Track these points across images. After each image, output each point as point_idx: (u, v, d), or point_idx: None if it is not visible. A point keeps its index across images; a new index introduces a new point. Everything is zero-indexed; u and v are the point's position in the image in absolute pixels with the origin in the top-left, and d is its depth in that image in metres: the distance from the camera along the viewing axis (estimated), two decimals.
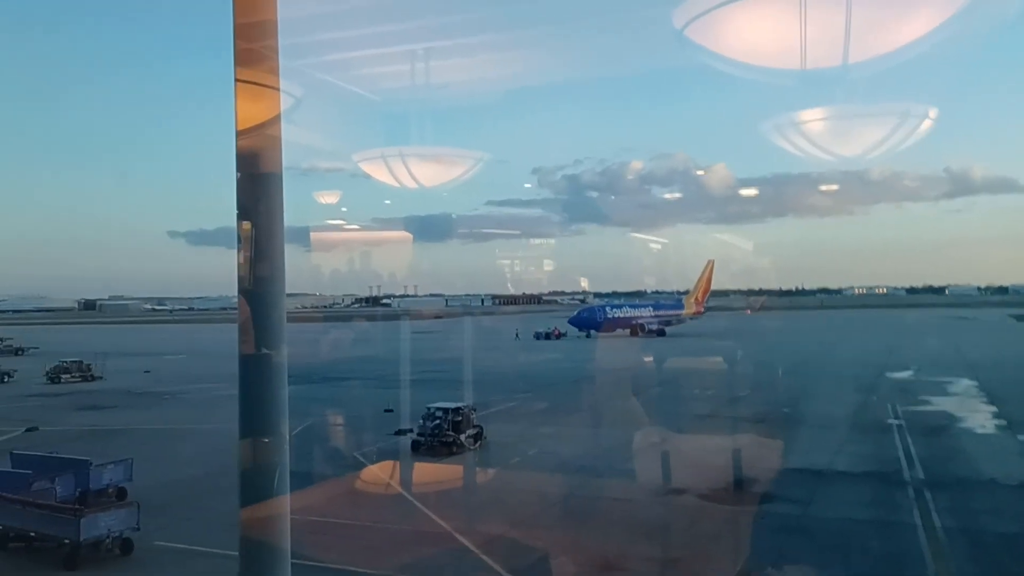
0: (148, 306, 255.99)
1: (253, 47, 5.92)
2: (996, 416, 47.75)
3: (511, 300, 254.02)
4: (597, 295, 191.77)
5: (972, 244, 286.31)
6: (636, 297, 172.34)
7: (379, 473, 36.38)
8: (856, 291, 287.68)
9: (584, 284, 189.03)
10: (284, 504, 5.35)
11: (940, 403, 52.87)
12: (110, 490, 31.62)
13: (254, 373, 5.54)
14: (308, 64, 15.00)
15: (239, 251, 5.92)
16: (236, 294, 6.14)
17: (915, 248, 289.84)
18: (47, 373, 72.44)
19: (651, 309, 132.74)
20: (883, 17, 8.47)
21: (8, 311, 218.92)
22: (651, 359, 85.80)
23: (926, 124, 9.74)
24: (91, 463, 31.63)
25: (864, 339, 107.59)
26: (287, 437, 5.48)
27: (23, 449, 36.07)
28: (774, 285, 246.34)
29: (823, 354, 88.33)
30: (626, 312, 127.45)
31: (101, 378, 73.60)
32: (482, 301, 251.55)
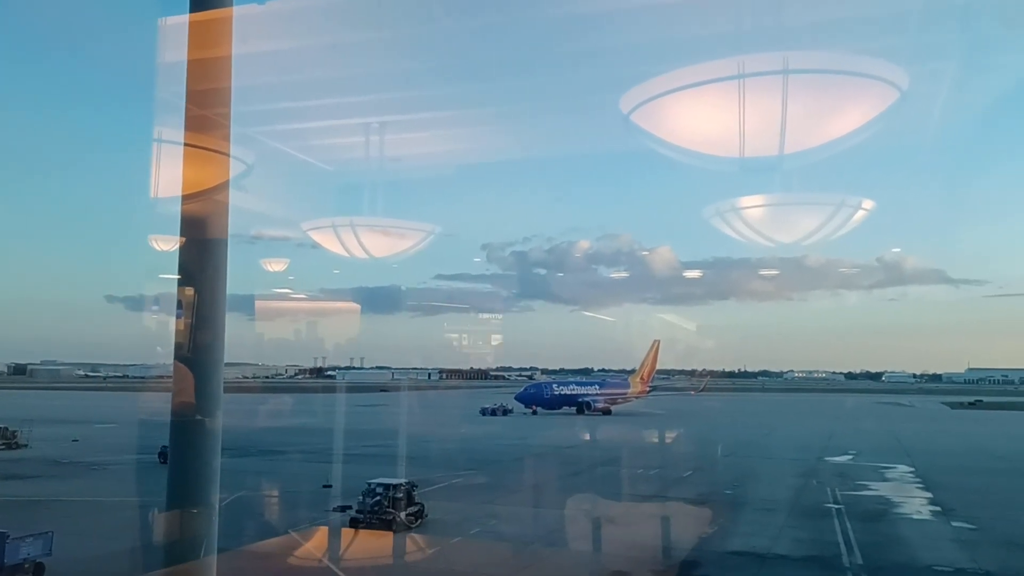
0: (81, 372, 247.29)
1: (205, 113, 5.92)
2: (931, 503, 48.40)
3: (459, 374, 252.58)
4: (545, 372, 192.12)
5: (906, 332, 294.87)
6: (583, 375, 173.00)
7: (313, 551, 35.12)
8: (797, 374, 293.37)
9: (532, 360, 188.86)
10: None
11: (879, 488, 53.46)
12: (27, 565, 29.91)
13: (186, 441, 5.33)
14: (261, 132, 15.11)
15: (178, 317, 5.78)
16: (173, 361, 5.99)
17: (852, 334, 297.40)
18: None
19: (597, 387, 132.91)
20: (818, 110, 8.90)
21: None
22: (596, 438, 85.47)
23: (859, 215, 10.13)
24: (8, 536, 29.95)
25: (807, 424, 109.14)
26: (216, 508, 5.27)
27: None
28: (717, 366, 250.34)
29: (767, 437, 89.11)
30: (572, 390, 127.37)
31: (26, 446, 70.29)
32: (429, 375, 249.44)
